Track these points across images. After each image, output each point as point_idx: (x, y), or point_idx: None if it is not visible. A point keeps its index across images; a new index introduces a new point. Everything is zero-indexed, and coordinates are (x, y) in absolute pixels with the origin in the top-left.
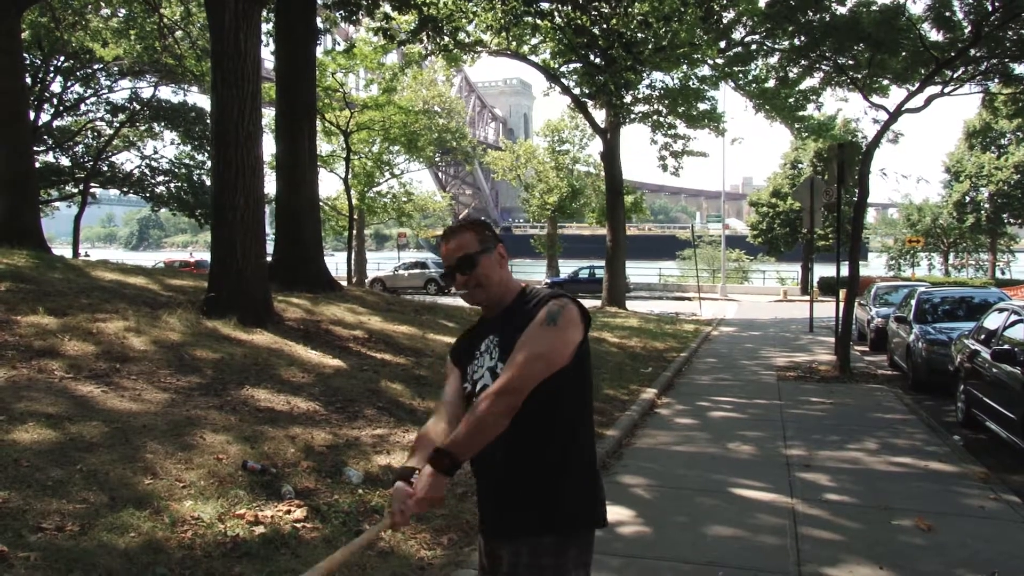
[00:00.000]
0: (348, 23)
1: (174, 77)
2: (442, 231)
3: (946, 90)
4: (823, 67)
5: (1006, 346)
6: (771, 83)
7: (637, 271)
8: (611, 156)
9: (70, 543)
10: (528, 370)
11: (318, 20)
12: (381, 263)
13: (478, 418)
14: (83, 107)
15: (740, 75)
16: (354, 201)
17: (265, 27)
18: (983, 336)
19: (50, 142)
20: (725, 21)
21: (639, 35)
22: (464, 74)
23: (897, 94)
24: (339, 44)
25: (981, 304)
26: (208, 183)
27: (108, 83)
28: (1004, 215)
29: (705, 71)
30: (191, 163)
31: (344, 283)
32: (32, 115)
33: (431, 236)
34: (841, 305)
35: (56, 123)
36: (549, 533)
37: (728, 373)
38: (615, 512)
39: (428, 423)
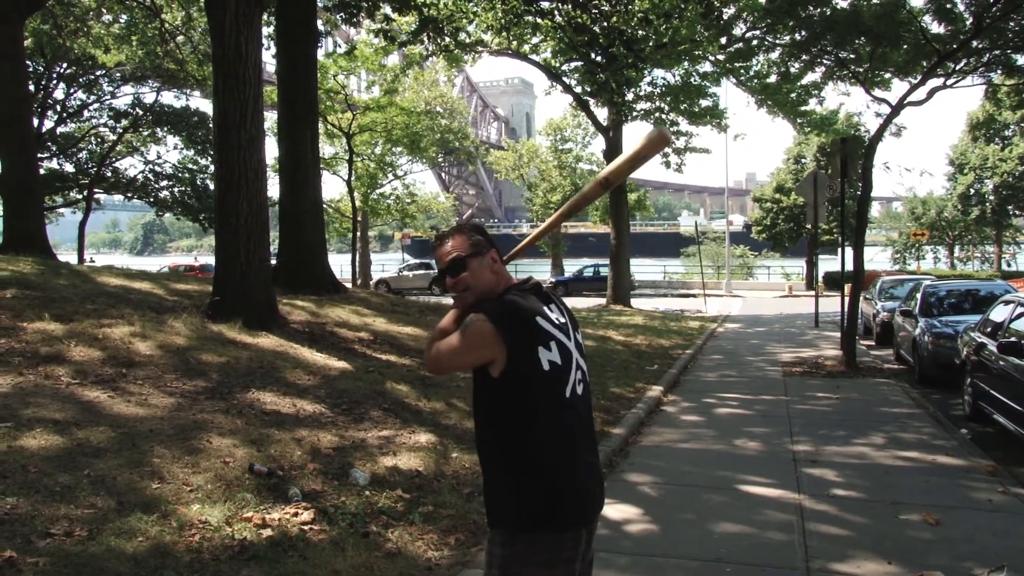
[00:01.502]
0: (349, 25)
1: (176, 82)
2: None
3: (948, 82)
4: (824, 62)
5: (1012, 338)
6: (773, 78)
7: (641, 268)
8: (614, 154)
9: (78, 548)
10: (434, 359)
11: (319, 22)
12: (385, 264)
13: (429, 344)
14: (86, 113)
15: (742, 71)
16: (357, 203)
17: (266, 30)
18: (989, 329)
19: (54, 149)
20: (726, 17)
21: (640, 33)
22: (466, 74)
23: (899, 87)
24: (340, 46)
25: (987, 296)
26: (211, 187)
27: (111, 89)
28: (1009, 207)
29: (706, 67)
30: (194, 167)
31: (348, 285)
32: (36, 122)
33: (430, 235)
34: (846, 300)
35: (60, 130)
36: (497, 526)
37: (734, 369)
38: (622, 510)
39: None
